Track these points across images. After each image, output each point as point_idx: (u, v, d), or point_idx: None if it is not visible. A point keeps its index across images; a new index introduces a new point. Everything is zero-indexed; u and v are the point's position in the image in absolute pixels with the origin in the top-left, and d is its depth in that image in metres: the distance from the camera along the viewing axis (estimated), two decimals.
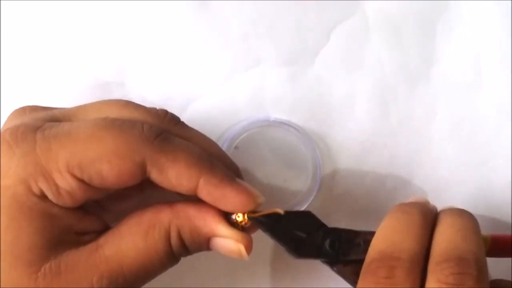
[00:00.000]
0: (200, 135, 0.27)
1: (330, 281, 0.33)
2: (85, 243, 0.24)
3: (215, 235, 0.25)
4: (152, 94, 0.32)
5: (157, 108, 0.26)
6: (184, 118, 0.31)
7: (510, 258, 0.34)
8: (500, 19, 0.34)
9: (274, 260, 0.33)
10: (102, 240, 0.24)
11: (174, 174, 0.23)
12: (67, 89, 0.31)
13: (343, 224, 0.33)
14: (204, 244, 0.25)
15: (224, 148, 0.31)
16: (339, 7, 0.33)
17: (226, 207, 0.25)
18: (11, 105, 0.31)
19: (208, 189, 0.24)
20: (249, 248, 0.25)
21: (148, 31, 0.32)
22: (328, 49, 0.33)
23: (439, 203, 0.34)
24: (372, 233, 0.26)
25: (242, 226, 0.25)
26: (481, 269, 0.23)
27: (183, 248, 0.25)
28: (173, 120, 0.26)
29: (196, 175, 0.24)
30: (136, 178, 0.23)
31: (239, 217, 0.25)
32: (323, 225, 0.27)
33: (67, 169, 0.22)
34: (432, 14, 0.33)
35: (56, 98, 0.31)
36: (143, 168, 0.23)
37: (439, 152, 0.34)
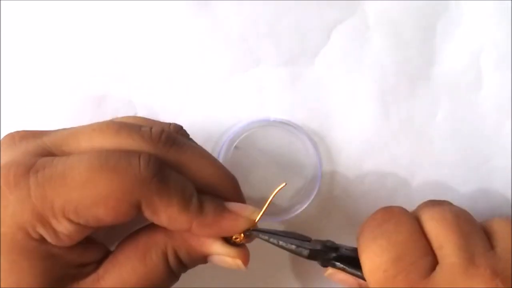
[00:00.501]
0: (195, 155, 0.26)
1: (330, 281, 0.33)
2: (86, 275, 0.24)
3: (211, 254, 0.25)
4: (152, 94, 0.32)
5: (151, 128, 0.25)
6: (184, 118, 0.32)
7: None
8: (500, 19, 0.34)
9: (274, 260, 0.33)
10: (101, 270, 0.24)
11: (166, 218, 0.23)
12: (65, 92, 0.31)
13: (343, 224, 0.33)
14: (201, 260, 0.26)
15: (224, 148, 0.31)
16: (339, 7, 0.33)
17: (225, 235, 0.25)
18: (10, 108, 0.31)
19: (202, 230, 0.24)
20: (246, 261, 0.26)
21: (148, 31, 0.32)
22: (328, 49, 0.33)
23: None
24: None
25: (237, 242, 0.26)
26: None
27: (181, 266, 0.25)
28: (169, 141, 0.25)
29: (186, 220, 0.24)
30: (132, 216, 0.23)
31: (234, 236, 0.25)
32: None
33: (63, 215, 0.22)
34: (432, 14, 0.33)
35: (55, 101, 0.31)
36: (138, 207, 0.23)
37: (439, 152, 0.34)
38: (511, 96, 0.34)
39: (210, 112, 0.32)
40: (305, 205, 0.32)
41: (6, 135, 0.25)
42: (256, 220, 0.25)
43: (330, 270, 0.27)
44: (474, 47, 0.34)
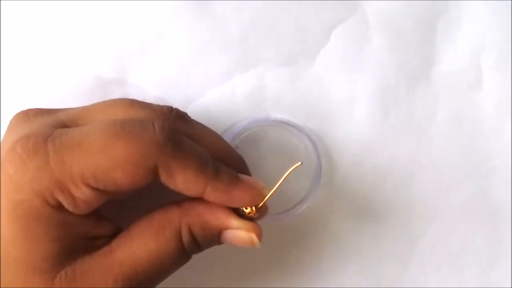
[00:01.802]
0: (205, 130, 0.27)
1: (330, 281, 0.33)
2: (98, 248, 0.24)
3: (227, 228, 0.25)
4: (152, 94, 0.32)
5: (162, 105, 0.26)
6: None
7: (510, 259, 0.34)
8: (500, 19, 0.34)
9: (273, 260, 0.33)
10: (114, 244, 0.24)
11: (182, 181, 0.24)
12: (67, 89, 0.31)
13: (343, 224, 0.33)
14: (215, 238, 0.26)
15: None
16: (339, 7, 0.33)
17: (235, 206, 0.25)
18: (11, 105, 0.31)
19: (215, 195, 0.24)
20: (260, 236, 0.26)
21: (148, 31, 0.32)
22: (328, 49, 0.33)
23: (439, 203, 0.34)
24: None
25: (250, 217, 0.26)
26: None
27: (195, 244, 0.25)
28: (179, 116, 0.26)
29: (203, 183, 0.24)
30: (149, 180, 0.23)
31: (247, 209, 0.26)
32: None
33: (82, 180, 0.22)
34: (432, 14, 0.33)
35: (56, 98, 0.31)
36: (155, 171, 0.23)
37: (439, 152, 0.34)
38: (511, 96, 0.34)
39: (210, 112, 0.32)
40: (305, 205, 0.32)
41: (19, 112, 0.26)
42: (269, 195, 0.26)
43: None
44: (474, 47, 0.34)
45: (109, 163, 0.22)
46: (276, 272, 0.33)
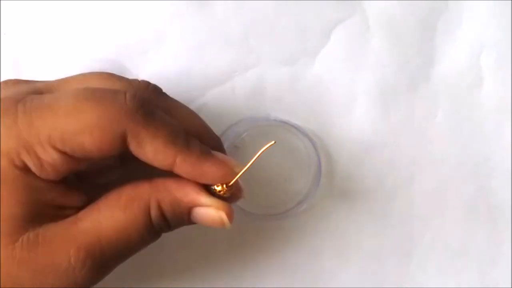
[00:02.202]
0: (182, 106, 0.27)
1: (330, 281, 0.33)
2: (65, 217, 0.24)
3: (196, 205, 0.25)
4: None
5: (140, 79, 0.26)
6: None
7: (510, 259, 0.34)
8: (500, 19, 0.34)
9: (273, 260, 0.33)
10: (81, 214, 0.24)
11: (151, 150, 0.23)
12: None
13: (343, 224, 0.33)
14: (185, 216, 0.25)
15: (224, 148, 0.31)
16: (339, 7, 0.33)
17: (205, 182, 0.25)
18: None
19: (185, 167, 0.24)
20: (230, 216, 0.25)
21: (149, 31, 0.32)
22: (328, 49, 0.33)
23: (439, 203, 0.34)
24: None
25: (221, 196, 0.25)
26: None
27: (164, 221, 0.25)
28: (156, 91, 0.26)
29: (172, 153, 0.23)
30: (117, 148, 0.23)
31: (218, 187, 0.25)
32: None
33: (49, 142, 0.22)
34: (432, 14, 0.33)
35: None
36: (123, 139, 0.23)
37: (439, 152, 0.34)
38: (511, 96, 0.34)
39: (210, 112, 0.32)
40: (305, 205, 0.32)
41: (2, 81, 0.26)
42: (240, 173, 0.25)
43: None
44: (474, 47, 0.34)
45: (77, 126, 0.22)
46: (276, 272, 0.33)
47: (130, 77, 0.32)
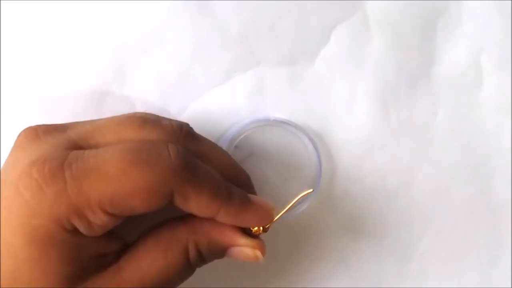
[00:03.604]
0: (213, 147, 0.28)
1: (330, 281, 0.33)
2: (107, 265, 0.24)
3: (233, 245, 0.26)
4: (152, 94, 0.32)
5: (171, 121, 0.26)
6: (184, 118, 0.32)
7: (510, 259, 0.34)
8: (500, 19, 0.34)
9: (273, 260, 0.33)
10: (122, 261, 0.24)
11: (195, 205, 0.24)
12: (67, 89, 0.31)
13: (343, 224, 0.33)
14: (221, 254, 0.26)
15: (224, 148, 0.31)
16: (339, 7, 0.33)
17: (245, 226, 0.26)
18: (11, 105, 0.31)
19: (227, 217, 0.25)
20: (264, 252, 0.26)
21: (148, 31, 0.32)
22: (328, 49, 0.33)
23: (439, 203, 0.34)
24: None
25: (256, 235, 0.26)
26: None
27: (200, 259, 0.26)
28: (189, 134, 0.27)
29: (216, 207, 0.24)
30: (164, 205, 0.24)
31: (254, 228, 0.26)
32: None
33: (99, 207, 0.22)
34: (432, 14, 0.33)
35: (56, 98, 0.31)
36: (170, 197, 0.23)
37: (439, 152, 0.34)
38: (511, 96, 0.34)
39: (210, 112, 0.32)
40: (305, 205, 0.32)
41: (27, 129, 0.25)
42: (277, 218, 0.26)
43: None
44: (474, 47, 0.34)
45: (127, 190, 0.22)
46: (276, 272, 0.33)
47: (131, 77, 0.32)
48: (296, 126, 0.32)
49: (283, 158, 0.33)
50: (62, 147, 0.24)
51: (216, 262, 0.31)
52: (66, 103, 0.31)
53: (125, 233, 0.26)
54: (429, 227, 0.34)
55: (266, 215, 0.26)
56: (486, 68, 0.34)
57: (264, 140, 0.32)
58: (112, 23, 0.31)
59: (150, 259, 0.24)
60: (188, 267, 0.25)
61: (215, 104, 0.32)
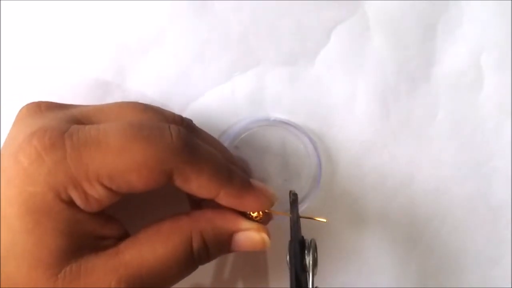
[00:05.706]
0: (212, 140, 0.28)
1: (330, 281, 0.33)
2: (105, 248, 0.24)
3: (237, 230, 0.26)
4: (152, 94, 0.32)
5: (173, 112, 0.27)
6: None
7: (510, 259, 0.34)
8: (500, 19, 0.34)
9: (273, 260, 0.33)
10: (122, 246, 0.24)
11: (196, 185, 0.24)
12: (67, 88, 0.31)
13: (343, 224, 0.33)
14: (226, 243, 0.26)
15: None
16: (339, 7, 0.33)
17: (244, 210, 0.26)
18: (11, 105, 0.31)
19: (227, 199, 0.25)
20: (269, 236, 0.26)
21: (148, 31, 0.32)
22: (328, 49, 0.33)
23: (439, 203, 0.34)
24: None
25: (257, 221, 0.27)
26: None
27: (205, 250, 0.25)
28: (189, 126, 0.27)
29: (216, 187, 0.24)
30: (163, 184, 0.23)
31: (254, 213, 0.26)
32: None
33: (97, 179, 0.22)
34: (432, 14, 0.33)
35: (56, 98, 0.31)
36: (170, 176, 0.23)
37: (439, 152, 0.34)
38: (511, 96, 0.34)
39: (210, 112, 0.32)
40: (305, 205, 0.32)
41: (30, 103, 0.25)
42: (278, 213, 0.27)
43: None
44: (474, 47, 0.34)
45: (126, 165, 0.22)
46: (276, 272, 0.33)
47: (131, 77, 0.32)
48: (296, 126, 0.32)
49: (283, 158, 0.33)
50: (64, 121, 0.24)
51: (216, 261, 0.31)
52: (66, 102, 0.31)
53: (126, 222, 0.26)
54: (429, 226, 0.34)
55: (266, 200, 0.26)
56: (486, 68, 0.34)
57: (264, 140, 0.32)
58: (112, 23, 0.31)
59: (150, 246, 0.24)
60: (190, 259, 0.25)
61: (215, 104, 0.32)
